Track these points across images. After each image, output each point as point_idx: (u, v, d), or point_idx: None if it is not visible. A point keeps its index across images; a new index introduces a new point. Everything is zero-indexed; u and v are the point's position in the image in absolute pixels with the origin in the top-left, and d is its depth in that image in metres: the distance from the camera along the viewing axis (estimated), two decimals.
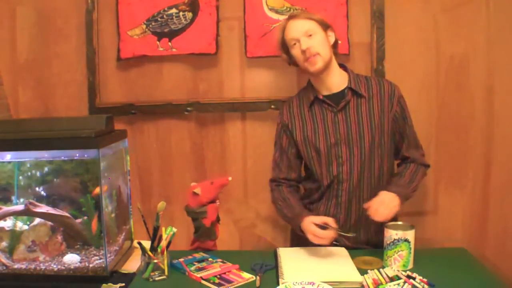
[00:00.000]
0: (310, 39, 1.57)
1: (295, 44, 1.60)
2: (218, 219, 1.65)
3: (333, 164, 1.63)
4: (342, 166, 1.62)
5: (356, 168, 1.61)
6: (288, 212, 1.67)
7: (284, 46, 1.65)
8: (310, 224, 1.51)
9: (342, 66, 1.68)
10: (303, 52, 1.57)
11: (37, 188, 1.61)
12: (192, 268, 1.48)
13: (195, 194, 1.60)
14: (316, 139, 1.64)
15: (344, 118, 1.61)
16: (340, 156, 1.61)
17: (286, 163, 1.73)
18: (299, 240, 1.75)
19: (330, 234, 1.48)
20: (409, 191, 1.60)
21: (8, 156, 1.59)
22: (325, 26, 1.62)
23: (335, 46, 1.65)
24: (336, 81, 1.63)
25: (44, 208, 1.56)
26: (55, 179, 1.61)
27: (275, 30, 1.84)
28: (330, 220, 1.50)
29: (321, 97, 1.63)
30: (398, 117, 1.62)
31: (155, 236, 1.48)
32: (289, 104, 1.73)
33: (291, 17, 1.64)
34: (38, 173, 1.61)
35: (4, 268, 1.53)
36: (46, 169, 1.60)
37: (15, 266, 1.53)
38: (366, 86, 1.63)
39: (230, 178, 1.65)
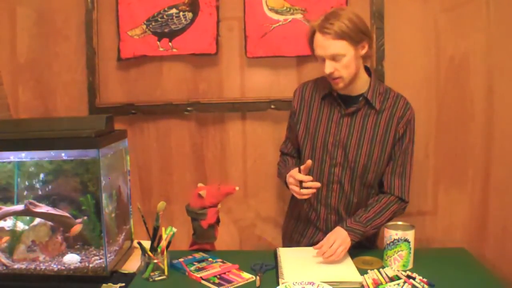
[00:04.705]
0: (336, 62, 1.48)
1: (322, 59, 1.52)
2: (217, 222, 1.64)
3: (326, 164, 1.61)
4: (334, 167, 1.60)
5: (348, 174, 1.59)
6: (282, 168, 1.70)
7: (312, 44, 1.56)
8: (289, 177, 1.55)
9: (367, 69, 1.60)
10: (327, 74, 1.51)
11: (37, 188, 1.61)
12: (192, 268, 1.48)
13: (200, 196, 1.60)
14: (316, 133, 1.62)
15: (349, 123, 1.58)
16: (335, 158, 1.60)
17: (291, 143, 1.76)
18: (290, 240, 1.75)
19: (305, 191, 1.51)
20: (368, 229, 1.52)
21: (8, 156, 1.59)
22: (357, 42, 1.47)
23: (366, 54, 1.54)
24: (356, 87, 1.57)
25: (44, 208, 1.56)
26: (55, 179, 1.61)
27: (275, 30, 1.77)
28: (306, 178, 1.51)
29: (335, 94, 1.59)
30: (398, 138, 1.56)
31: (155, 236, 1.48)
32: (304, 88, 1.68)
33: (321, 27, 1.47)
34: (38, 173, 1.61)
35: (4, 268, 1.53)
36: (46, 169, 1.60)
37: (15, 266, 1.53)
38: (382, 98, 1.57)
39: (237, 188, 1.63)
